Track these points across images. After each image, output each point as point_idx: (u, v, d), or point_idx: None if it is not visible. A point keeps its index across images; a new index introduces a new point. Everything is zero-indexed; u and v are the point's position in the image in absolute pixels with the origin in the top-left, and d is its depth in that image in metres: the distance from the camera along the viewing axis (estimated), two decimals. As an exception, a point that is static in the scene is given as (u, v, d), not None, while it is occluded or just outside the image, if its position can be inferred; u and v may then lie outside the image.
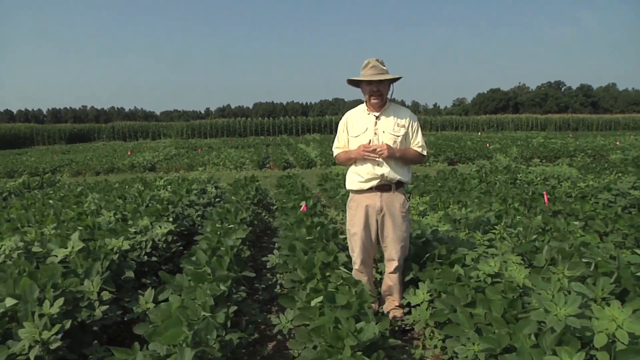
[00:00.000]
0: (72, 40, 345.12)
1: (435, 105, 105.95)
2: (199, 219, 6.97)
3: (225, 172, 16.98)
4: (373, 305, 4.10)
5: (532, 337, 2.55)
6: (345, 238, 4.24)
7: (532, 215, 6.19)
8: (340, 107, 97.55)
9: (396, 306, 3.98)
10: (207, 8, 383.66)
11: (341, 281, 3.50)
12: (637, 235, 5.04)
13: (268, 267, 5.00)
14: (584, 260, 3.74)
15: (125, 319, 3.56)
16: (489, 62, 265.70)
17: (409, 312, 3.81)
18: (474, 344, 2.78)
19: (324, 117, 56.19)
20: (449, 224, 5.70)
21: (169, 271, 5.12)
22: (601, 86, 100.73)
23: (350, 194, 3.97)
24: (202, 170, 17.12)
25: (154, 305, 3.47)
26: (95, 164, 18.78)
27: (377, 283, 4.46)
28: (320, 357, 2.48)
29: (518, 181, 10.13)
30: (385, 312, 4.03)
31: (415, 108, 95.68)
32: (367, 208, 3.78)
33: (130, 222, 5.55)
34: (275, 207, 8.75)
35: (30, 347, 2.72)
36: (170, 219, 5.90)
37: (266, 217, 8.09)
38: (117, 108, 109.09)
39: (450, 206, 6.87)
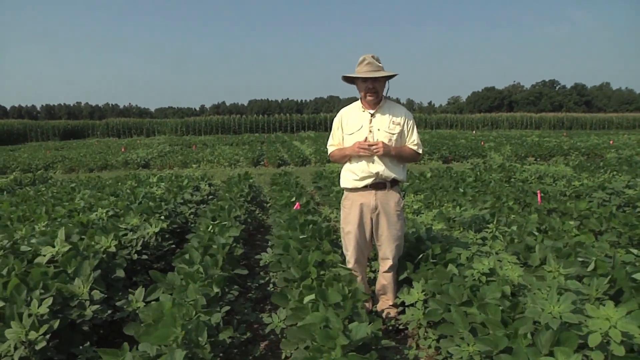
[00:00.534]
0: (67, 36, 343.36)
1: (430, 103, 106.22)
2: (192, 216, 6.92)
3: (219, 169, 16.91)
4: (367, 304, 4.07)
5: (529, 336, 2.52)
6: (339, 236, 4.21)
7: (526, 214, 6.18)
8: (335, 105, 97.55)
9: (390, 305, 3.95)
10: (203, 5, 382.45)
11: (335, 280, 3.46)
12: (632, 234, 5.04)
13: (261, 265, 4.96)
14: (579, 259, 3.73)
15: (115, 318, 3.51)
16: (484, 61, 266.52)
17: (403, 312, 3.78)
18: (468, 344, 2.75)
19: (319, 115, 56.03)
20: (443, 223, 5.68)
21: (160, 270, 5.07)
22: (595, 85, 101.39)
23: (344, 192, 3.93)
24: (196, 167, 17.08)
25: (145, 304, 3.42)
26: (88, 161, 18.65)
27: (371, 282, 4.43)
28: (311, 357, 2.44)
29: (512, 180, 10.13)
30: (379, 311, 4.00)
31: (410, 106, 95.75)
32: (362, 206, 3.74)
33: (122, 219, 5.49)
34: (269, 204, 8.72)
35: (16, 348, 2.67)
36: (163, 217, 5.85)
37: (260, 214, 8.05)
38: (112, 105, 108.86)
39: (445, 204, 6.85)
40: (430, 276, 3.68)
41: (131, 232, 4.89)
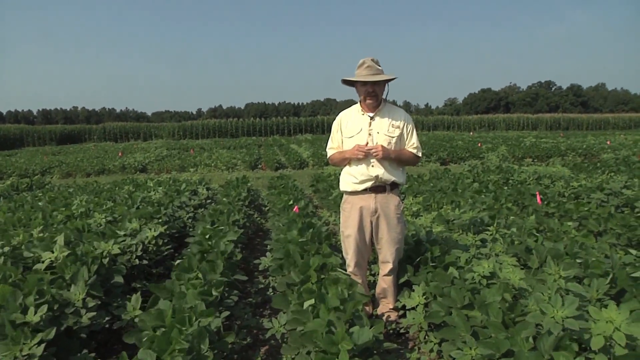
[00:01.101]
0: (63, 40, 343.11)
1: (426, 105, 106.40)
2: (190, 220, 6.89)
3: (217, 173, 16.87)
4: (367, 308, 4.06)
5: (530, 340, 2.51)
6: (339, 240, 4.19)
7: (525, 215, 6.17)
8: (332, 107, 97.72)
9: (390, 309, 3.93)
10: (200, 9, 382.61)
11: (334, 283, 3.44)
12: (630, 235, 5.04)
13: (260, 269, 4.94)
14: (578, 260, 3.72)
15: (114, 326, 3.48)
16: (480, 62, 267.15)
17: (404, 315, 3.76)
18: (470, 348, 2.73)
19: (316, 118, 56.06)
20: (442, 225, 5.67)
21: (159, 274, 5.05)
22: (591, 86, 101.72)
23: (344, 195, 3.92)
24: (194, 171, 17.03)
25: (141, 312, 3.39)
26: (85, 166, 18.60)
27: (371, 285, 4.41)
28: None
29: (510, 181, 10.12)
30: (379, 315, 3.98)
31: (407, 108, 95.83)
32: (362, 209, 3.73)
33: (120, 224, 5.47)
34: (267, 208, 8.69)
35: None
36: (161, 221, 5.82)
37: (258, 218, 8.02)
38: (108, 109, 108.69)
39: (444, 207, 6.84)
40: (430, 279, 3.66)
41: (130, 238, 4.87)
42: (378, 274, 4.04)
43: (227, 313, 3.35)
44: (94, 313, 3.29)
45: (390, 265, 3.80)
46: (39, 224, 5.54)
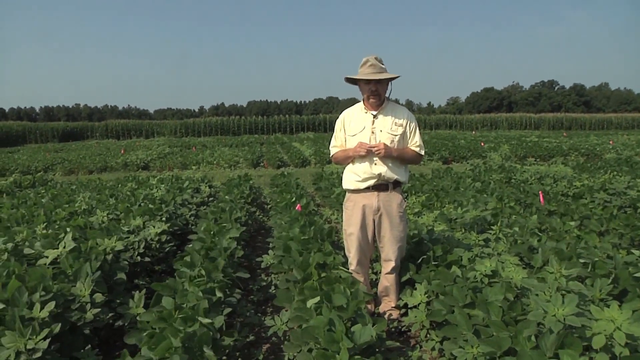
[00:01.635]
0: (65, 38, 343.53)
1: (429, 104, 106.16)
2: (192, 218, 6.90)
3: (219, 170, 16.89)
4: (369, 306, 4.06)
5: (533, 338, 2.51)
6: (341, 238, 4.20)
7: (527, 215, 6.17)
8: (334, 106, 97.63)
9: (392, 307, 3.94)
10: (202, 7, 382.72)
11: (337, 281, 3.45)
12: (633, 235, 5.03)
13: (262, 267, 4.95)
14: (581, 260, 3.72)
15: (116, 324, 3.49)
16: (483, 62, 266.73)
17: (406, 314, 3.77)
18: (472, 346, 2.74)
19: (318, 116, 56.06)
20: (444, 224, 5.67)
21: (162, 272, 5.07)
22: (594, 85, 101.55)
23: (346, 193, 3.92)
24: (196, 169, 17.05)
25: (144, 310, 3.40)
26: (88, 163, 18.62)
27: (373, 284, 4.41)
28: (316, 361, 2.43)
29: (513, 180, 10.12)
30: (381, 313, 3.99)
31: (409, 107, 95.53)
32: (364, 208, 3.73)
33: (122, 221, 5.48)
34: (269, 206, 8.70)
35: (17, 355, 2.64)
36: (164, 219, 5.83)
37: (260, 216, 8.04)
38: (111, 106, 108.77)
39: (446, 205, 6.84)
40: (432, 278, 3.67)
41: (133, 235, 4.88)
42: (380, 272, 4.05)
43: (229, 310, 3.37)
44: (99, 309, 3.30)
45: (392, 264, 3.81)
46: (42, 221, 5.55)
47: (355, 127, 3.73)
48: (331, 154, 3.97)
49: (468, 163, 16.35)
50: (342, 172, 3.95)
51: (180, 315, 2.80)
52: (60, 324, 2.92)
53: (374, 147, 3.54)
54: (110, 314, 3.44)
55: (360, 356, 2.41)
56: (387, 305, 3.98)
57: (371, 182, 3.68)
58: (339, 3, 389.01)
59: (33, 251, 4.18)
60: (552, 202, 6.83)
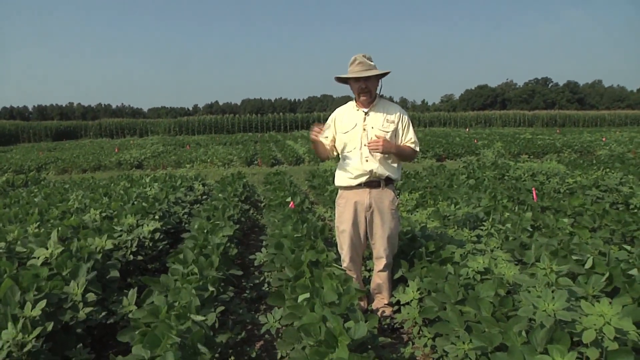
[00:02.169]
0: (59, 36, 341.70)
1: (423, 101, 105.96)
2: (186, 216, 6.90)
3: (213, 169, 16.87)
4: (362, 303, 4.07)
5: (523, 334, 2.53)
6: (334, 235, 4.20)
7: (521, 212, 6.19)
8: (328, 104, 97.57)
9: (385, 304, 3.95)
10: (196, 6, 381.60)
11: (329, 278, 3.45)
12: (625, 231, 5.06)
13: (256, 264, 4.95)
14: (573, 257, 3.74)
15: (108, 322, 3.49)
16: (477, 59, 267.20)
17: (398, 311, 3.78)
18: (464, 342, 2.75)
19: (312, 114, 56.09)
20: (437, 221, 5.69)
21: (155, 270, 5.06)
22: (587, 83, 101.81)
23: (339, 190, 3.93)
24: (190, 167, 17.03)
25: (136, 308, 3.40)
26: (81, 162, 18.56)
27: (366, 281, 4.42)
28: (308, 357, 2.43)
29: (506, 177, 10.15)
30: (374, 310, 3.99)
31: (403, 104, 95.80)
32: (356, 205, 3.74)
33: (115, 220, 5.47)
34: (263, 204, 8.70)
35: (8, 354, 2.64)
36: (157, 217, 5.82)
37: (254, 214, 8.03)
38: (104, 105, 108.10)
39: (440, 203, 6.86)
40: (425, 274, 3.68)
41: (125, 233, 4.87)
42: (373, 270, 4.06)
43: (222, 308, 3.37)
44: (91, 308, 3.29)
45: (384, 261, 3.82)
46: (34, 220, 5.53)
47: (347, 124, 3.74)
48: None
49: (462, 160, 16.39)
50: (335, 170, 3.96)
51: (173, 313, 2.80)
52: (52, 323, 2.91)
53: (377, 141, 3.54)
54: (103, 313, 3.44)
55: (354, 353, 2.42)
56: (380, 302, 3.99)
57: (363, 179, 3.69)
58: (333, 1, 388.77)
59: (24, 250, 4.16)
60: (545, 198, 6.86)
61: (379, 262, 3.87)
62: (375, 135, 3.59)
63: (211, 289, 3.37)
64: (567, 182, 8.40)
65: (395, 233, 3.86)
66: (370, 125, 3.68)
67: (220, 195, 7.35)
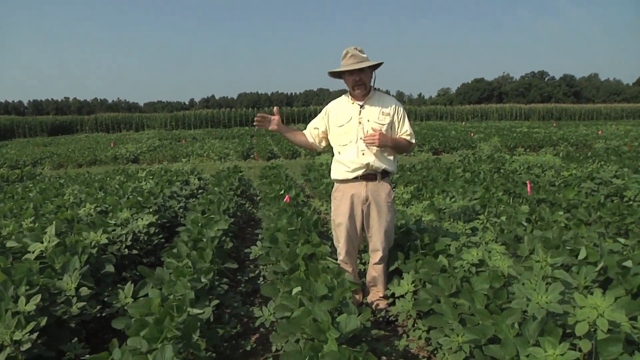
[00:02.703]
0: (55, 30, 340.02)
1: (419, 95, 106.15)
2: (181, 210, 6.89)
3: (209, 163, 16.84)
4: (357, 296, 4.08)
5: (516, 326, 2.53)
6: (329, 228, 4.20)
7: (516, 204, 6.20)
8: (324, 97, 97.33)
9: (380, 297, 3.95)
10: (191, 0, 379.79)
11: (323, 272, 3.45)
12: (619, 224, 5.08)
13: (251, 258, 4.95)
14: (567, 248, 3.74)
15: (104, 314, 3.48)
16: (473, 53, 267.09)
17: (393, 303, 3.78)
18: (458, 335, 2.76)
19: (309, 107, 56.02)
20: (433, 214, 5.69)
21: (150, 264, 5.05)
22: (584, 76, 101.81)
23: (335, 183, 3.92)
24: (186, 161, 16.99)
25: (133, 300, 3.40)
26: (77, 156, 18.51)
27: (362, 274, 4.43)
28: (301, 351, 2.43)
29: (502, 170, 10.16)
30: (369, 303, 4.00)
31: (400, 98, 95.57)
32: (352, 197, 3.73)
33: (110, 214, 5.45)
34: (259, 197, 8.69)
35: (2, 348, 2.64)
36: (152, 211, 5.81)
37: (250, 208, 8.03)
38: (100, 99, 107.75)
39: (435, 196, 6.86)
40: (419, 267, 3.68)
41: (120, 227, 4.86)
42: (368, 263, 4.06)
43: (217, 301, 3.36)
44: (85, 303, 3.29)
45: (380, 254, 3.82)
46: (29, 215, 5.51)
47: (342, 118, 3.72)
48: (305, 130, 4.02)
49: (458, 154, 16.40)
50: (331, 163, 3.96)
51: (169, 305, 2.79)
52: (46, 318, 2.91)
53: (370, 135, 3.53)
54: (97, 307, 3.43)
55: (346, 345, 2.42)
56: (375, 295, 3.99)
57: (359, 172, 3.68)
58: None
59: (18, 244, 4.14)
60: (540, 191, 6.87)
61: (375, 255, 3.87)
62: (372, 129, 3.58)
63: (205, 280, 3.37)
64: (562, 175, 8.42)
65: (392, 226, 3.87)
66: (366, 119, 3.66)
67: (216, 189, 7.34)
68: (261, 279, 4.73)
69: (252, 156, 18.46)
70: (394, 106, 3.74)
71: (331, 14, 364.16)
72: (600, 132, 23.26)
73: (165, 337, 2.50)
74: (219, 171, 10.55)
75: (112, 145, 24.48)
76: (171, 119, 50.53)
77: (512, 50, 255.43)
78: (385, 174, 3.77)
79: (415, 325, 3.48)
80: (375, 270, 3.93)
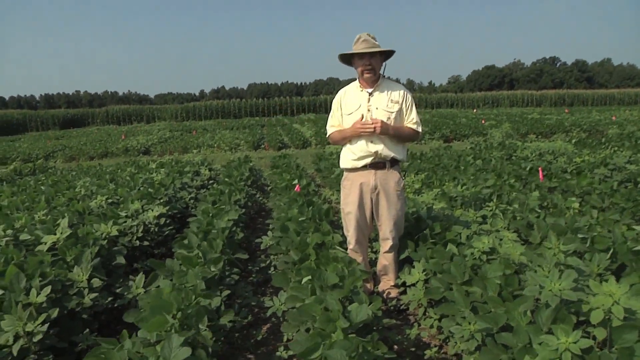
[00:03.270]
0: (65, 24, 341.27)
1: (430, 82, 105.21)
2: (192, 201, 6.90)
3: (219, 153, 16.87)
4: (368, 285, 4.06)
5: (529, 313, 2.51)
6: (339, 217, 4.18)
7: (527, 192, 6.13)
8: (334, 87, 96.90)
9: (392, 286, 3.94)
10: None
11: (333, 260, 3.44)
12: (634, 210, 5.00)
13: (262, 248, 4.95)
14: (580, 235, 3.69)
15: (115, 305, 3.50)
16: (484, 39, 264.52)
17: (404, 292, 3.76)
18: (470, 323, 2.74)
19: (319, 97, 55.88)
20: (444, 202, 5.65)
21: (161, 255, 5.07)
22: (596, 61, 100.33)
23: (344, 172, 3.90)
24: (197, 152, 17.03)
25: (144, 291, 3.41)
26: (89, 149, 18.63)
27: (372, 263, 4.41)
28: (312, 340, 2.42)
29: (514, 157, 10.06)
30: (380, 292, 3.98)
31: (410, 86, 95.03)
32: (362, 186, 3.71)
33: (122, 206, 5.47)
34: (269, 187, 8.69)
35: (16, 338, 2.66)
36: (163, 202, 5.82)
37: (260, 198, 8.03)
38: (111, 92, 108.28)
39: (446, 184, 6.81)
40: (430, 255, 3.65)
41: (131, 219, 4.88)
42: (379, 251, 4.04)
43: (227, 291, 3.37)
44: (96, 294, 3.31)
45: (390, 242, 3.80)
46: (42, 207, 5.55)
47: (351, 105, 3.69)
48: (328, 134, 3.93)
49: (469, 141, 16.27)
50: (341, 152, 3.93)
51: (177, 296, 2.80)
52: (57, 309, 2.93)
53: (370, 123, 3.50)
54: (109, 298, 3.45)
55: (357, 335, 2.41)
56: (386, 284, 3.98)
57: (368, 160, 3.66)
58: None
59: (31, 237, 4.17)
60: (552, 178, 6.80)
61: (385, 244, 3.85)
62: (370, 119, 3.55)
63: (215, 271, 3.37)
64: (575, 162, 8.32)
65: (402, 214, 3.84)
66: (375, 106, 3.63)
67: (226, 179, 7.35)
68: (272, 268, 4.73)
69: (262, 146, 18.46)
70: (402, 92, 3.70)
71: (340, 3, 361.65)
72: (614, 118, 22.98)
73: (172, 327, 2.50)
74: (229, 161, 10.56)
75: (123, 137, 24.59)
76: (182, 111, 50.64)
77: (523, 36, 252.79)
78: (394, 162, 3.74)
79: (427, 313, 3.46)
80: (385, 259, 3.91)
